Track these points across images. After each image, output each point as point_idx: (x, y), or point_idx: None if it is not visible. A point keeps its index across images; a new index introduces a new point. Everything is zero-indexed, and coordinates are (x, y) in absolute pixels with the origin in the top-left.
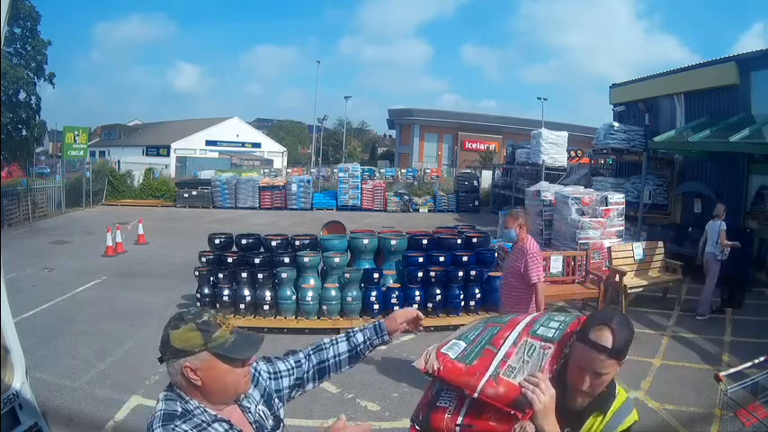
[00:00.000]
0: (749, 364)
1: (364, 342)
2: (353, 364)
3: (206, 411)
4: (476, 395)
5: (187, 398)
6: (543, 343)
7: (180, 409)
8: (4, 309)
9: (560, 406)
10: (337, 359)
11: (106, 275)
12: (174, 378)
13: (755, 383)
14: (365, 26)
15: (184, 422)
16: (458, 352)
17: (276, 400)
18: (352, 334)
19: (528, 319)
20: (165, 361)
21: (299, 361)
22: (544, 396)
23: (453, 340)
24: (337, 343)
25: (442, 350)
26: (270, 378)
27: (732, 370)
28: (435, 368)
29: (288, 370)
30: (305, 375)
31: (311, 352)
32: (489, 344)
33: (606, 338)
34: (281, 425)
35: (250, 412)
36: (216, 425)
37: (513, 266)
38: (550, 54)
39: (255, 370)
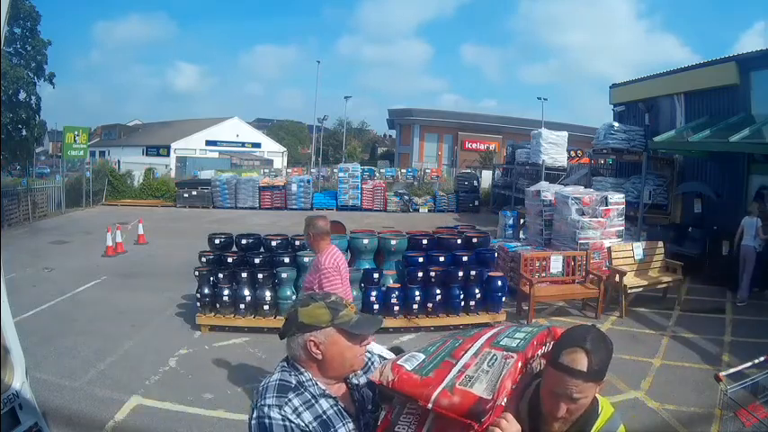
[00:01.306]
0: (749, 364)
1: None
2: None
3: (316, 384)
4: (429, 405)
5: (302, 369)
6: (505, 353)
7: (294, 381)
8: (4, 309)
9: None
10: None
11: (106, 275)
12: (293, 351)
13: (755, 383)
14: (365, 26)
15: (297, 396)
16: (414, 364)
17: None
18: None
19: (493, 331)
20: (286, 337)
21: None
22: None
23: (413, 353)
24: None
25: (398, 362)
26: None
27: (732, 370)
28: (389, 380)
29: None
30: None
31: None
32: (449, 356)
33: (581, 362)
34: (380, 410)
35: (356, 391)
36: (323, 400)
37: (306, 284)
38: (550, 54)
39: (369, 358)
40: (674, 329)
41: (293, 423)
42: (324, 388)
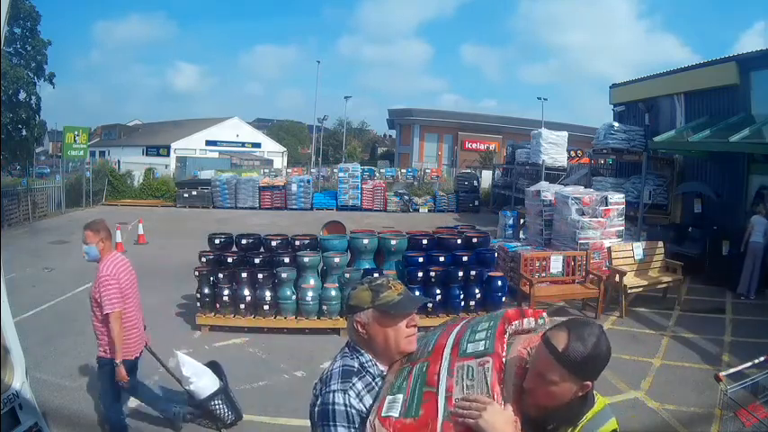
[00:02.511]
0: (749, 364)
1: None
2: None
3: (376, 365)
4: None
5: (362, 351)
6: (478, 359)
7: (357, 365)
8: (4, 309)
9: (521, 414)
10: None
11: None
12: (350, 334)
13: (755, 383)
14: (365, 26)
15: (360, 379)
16: (399, 408)
17: None
18: None
19: (451, 341)
20: (346, 318)
21: None
22: (491, 417)
23: (387, 398)
24: None
25: (382, 415)
26: None
27: (732, 370)
28: None
29: None
30: None
31: None
32: (425, 385)
33: (559, 340)
34: None
35: None
36: (382, 381)
37: (91, 294)
38: (550, 54)
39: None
40: (674, 329)
41: (355, 409)
42: (383, 369)
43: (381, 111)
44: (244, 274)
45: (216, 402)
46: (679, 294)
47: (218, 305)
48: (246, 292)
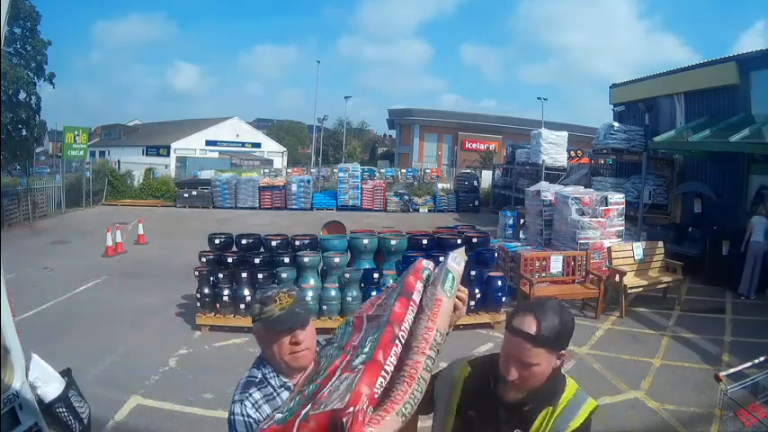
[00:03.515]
0: (749, 364)
1: None
2: None
3: (277, 376)
4: None
5: (266, 362)
6: (357, 369)
7: (260, 375)
8: (4, 309)
9: (496, 401)
10: None
11: (106, 275)
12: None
13: (755, 383)
14: (365, 26)
15: (258, 390)
16: (279, 417)
17: None
18: None
19: (344, 363)
20: None
21: None
22: None
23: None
24: None
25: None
26: None
27: (732, 370)
28: None
29: None
30: None
31: None
32: (309, 400)
33: (529, 325)
34: None
35: None
36: (284, 393)
37: None
38: (550, 54)
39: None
40: (674, 329)
41: (252, 418)
42: (285, 380)
43: (381, 111)
44: (244, 274)
45: (60, 409)
46: (679, 294)
47: (218, 305)
48: (246, 292)
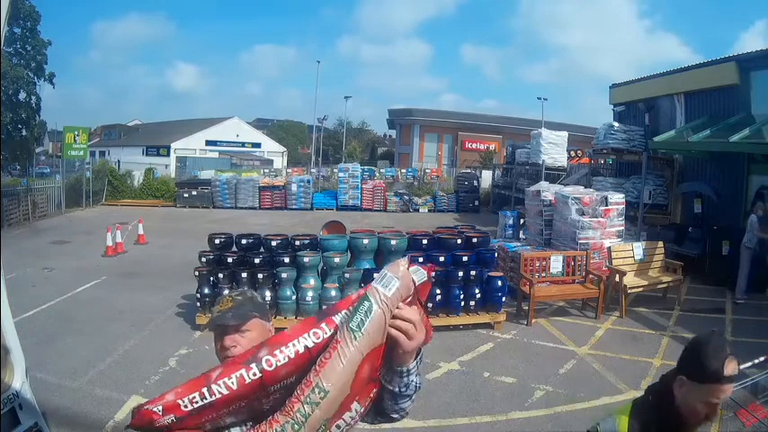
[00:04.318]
0: (749, 364)
1: None
2: None
3: None
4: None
5: None
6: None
7: None
8: (4, 309)
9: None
10: None
11: (106, 275)
12: None
13: (755, 383)
14: (365, 26)
15: None
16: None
17: None
18: None
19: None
20: None
21: None
22: None
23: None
24: None
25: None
26: None
27: None
28: None
29: None
30: None
31: None
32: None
33: (734, 367)
34: None
35: None
36: None
37: None
38: (551, 53)
39: None
40: (674, 329)
41: None
42: None
43: (381, 111)
44: (244, 274)
45: None
46: (679, 294)
47: None
48: None
